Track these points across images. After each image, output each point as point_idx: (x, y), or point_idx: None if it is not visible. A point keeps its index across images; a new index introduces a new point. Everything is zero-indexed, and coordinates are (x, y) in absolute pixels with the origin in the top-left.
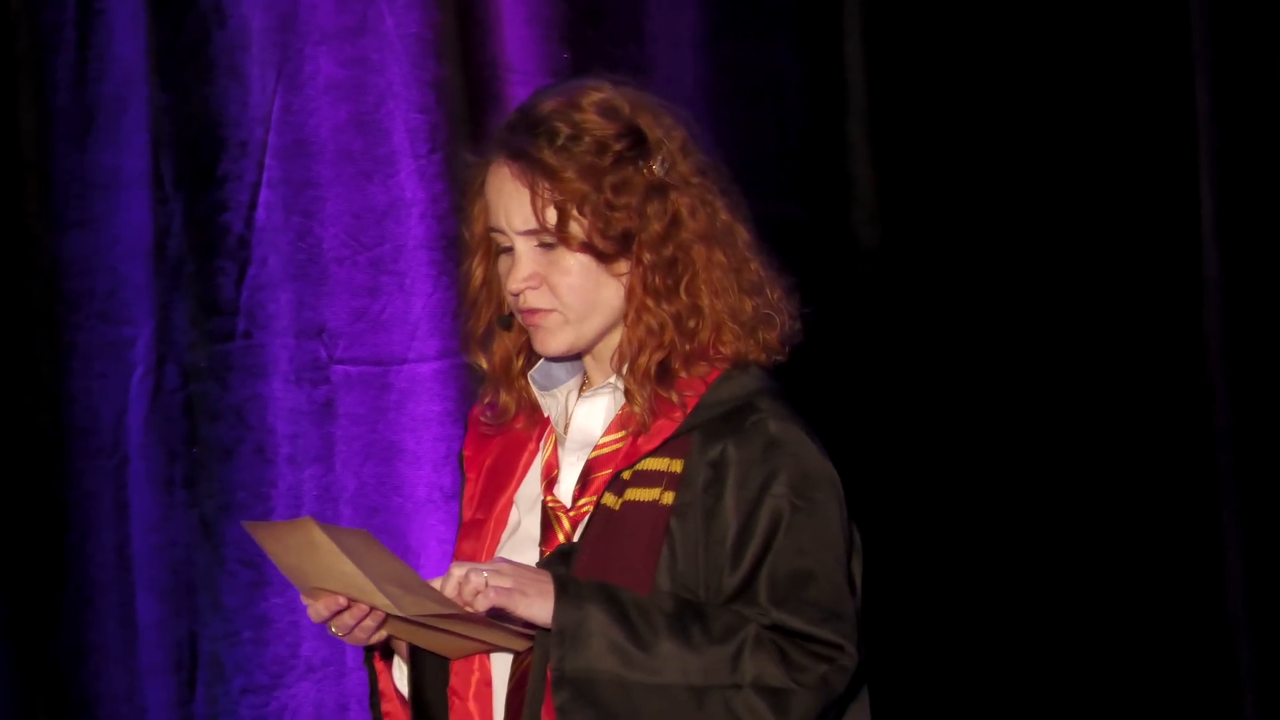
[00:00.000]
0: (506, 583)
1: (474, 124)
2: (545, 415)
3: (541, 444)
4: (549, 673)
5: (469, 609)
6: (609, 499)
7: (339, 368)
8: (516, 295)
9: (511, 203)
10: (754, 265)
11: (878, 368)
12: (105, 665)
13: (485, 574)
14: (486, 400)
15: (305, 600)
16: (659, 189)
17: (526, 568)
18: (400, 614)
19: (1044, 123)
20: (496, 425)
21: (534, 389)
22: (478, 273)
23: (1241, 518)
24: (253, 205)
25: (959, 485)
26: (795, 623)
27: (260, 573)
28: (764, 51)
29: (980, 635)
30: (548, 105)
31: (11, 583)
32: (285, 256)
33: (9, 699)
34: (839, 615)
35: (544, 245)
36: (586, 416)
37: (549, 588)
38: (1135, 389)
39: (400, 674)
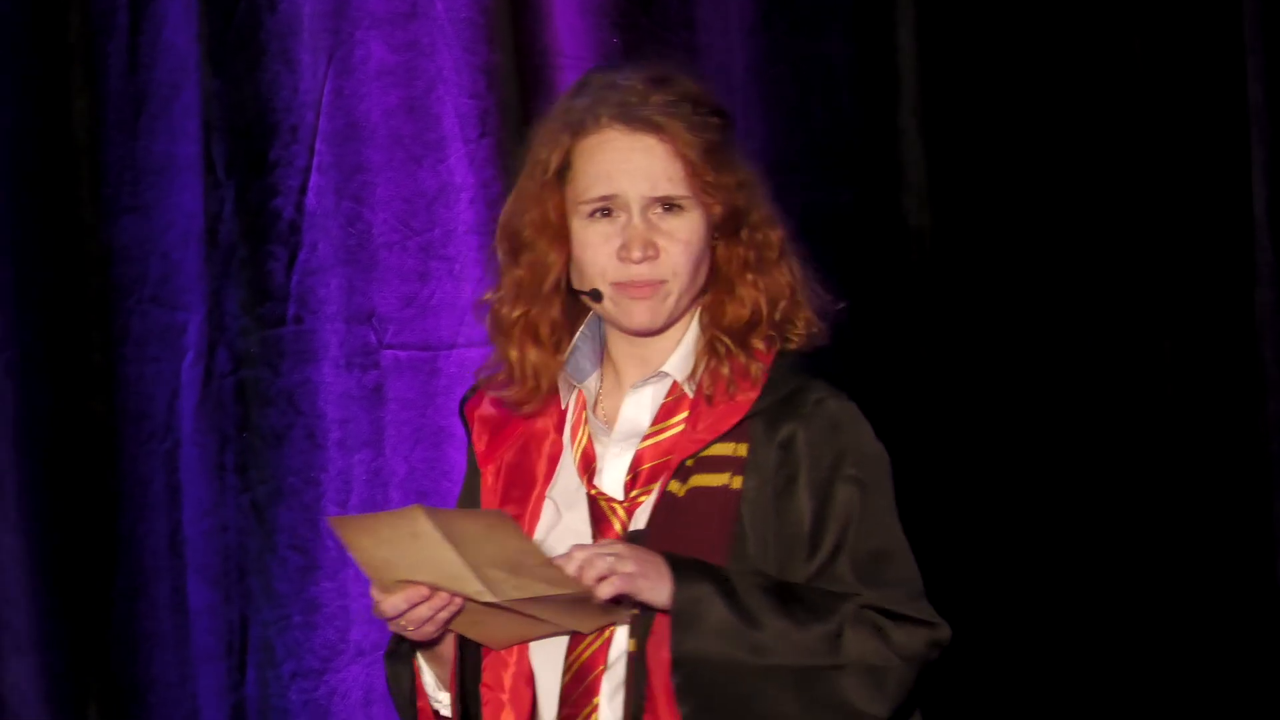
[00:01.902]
0: (630, 567)
1: (524, 109)
2: (564, 406)
3: (569, 437)
4: (653, 655)
5: (585, 592)
6: (674, 486)
7: (389, 353)
8: (635, 262)
9: (644, 169)
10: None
11: (927, 352)
12: (157, 651)
13: (610, 558)
14: (489, 389)
15: (377, 595)
16: (746, 165)
17: (641, 550)
18: (491, 599)
19: (1096, 110)
20: (502, 415)
21: (562, 381)
22: (557, 261)
23: None
24: (303, 190)
25: (1008, 471)
26: (889, 602)
27: (310, 558)
28: (815, 38)
29: (1031, 623)
30: (648, 81)
31: (64, 568)
32: (335, 242)
33: (61, 685)
34: (922, 591)
35: (664, 214)
36: (636, 407)
37: (666, 570)
38: (1187, 379)
39: (428, 677)
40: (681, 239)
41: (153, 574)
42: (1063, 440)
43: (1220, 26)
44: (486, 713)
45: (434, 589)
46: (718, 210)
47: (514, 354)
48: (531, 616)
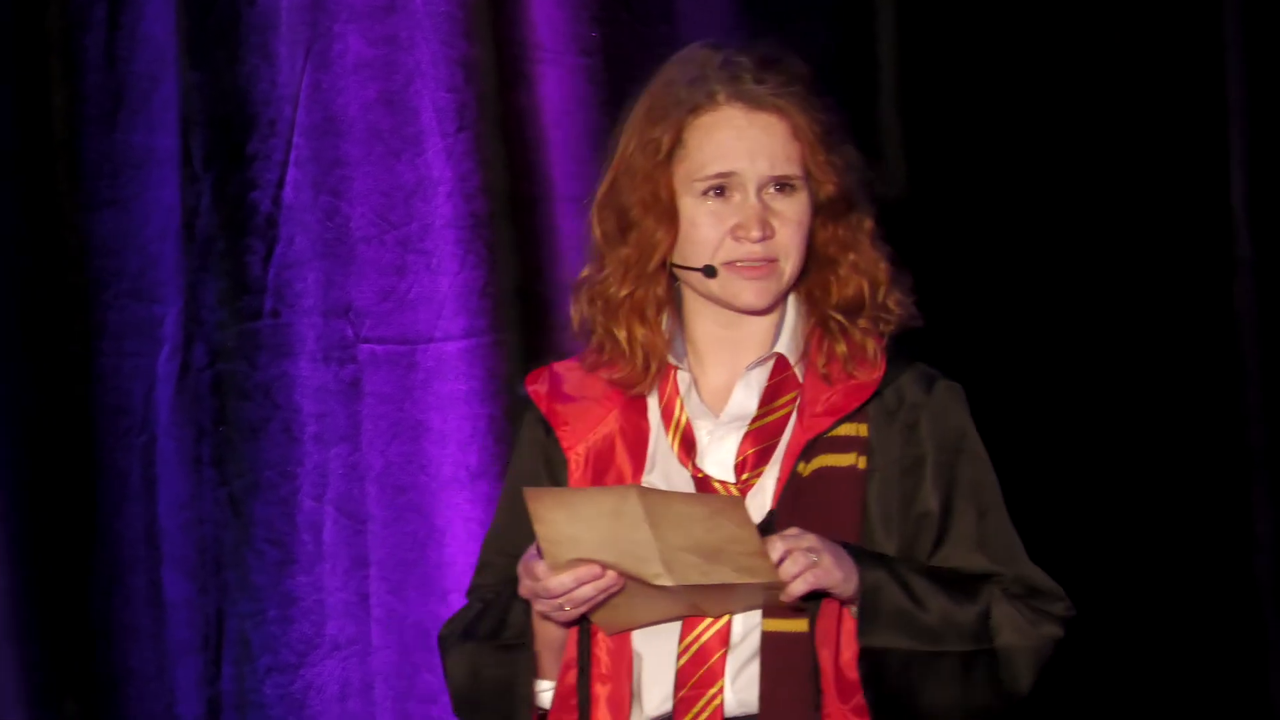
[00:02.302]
0: (828, 561)
1: (502, 103)
2: (676, 391)
3: (661, 420)
4: (829, 638)
5: (776, 586)
6: (800, 466)
7: (366, 346)
8: (754, 241)
9: (763, 147)
10: None
11: (903, 342)
12: (133, 643)
13: (810, 554)
14: (607, 374)
15: (541, 572)
16: (850, 148)
17: (828, 542)
18: (666, 583)
19: (1076, 103)
20: (572, 402)
21: (674, 360)
22: (665, 240)
23: (1272, 499)
24: (280, 184)
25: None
26: (1030, 578)
27: (287, 552)
28: (795, 30)
29: None
30: (761, 61)
31: (41, 561)
32: (313, 235)
33: (38, 677)
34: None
35: (780, 193)
36: (746, 390)
37: (851, 562)
38: (1165, 369)
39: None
40: (794, 219)
41: (129, 567)
42: (1042, 432)
43: (1200, 20)
44: (595, 691)
45: (605, 569)
46: (830, 190)
47: (621, 333)
48: (683, 600)
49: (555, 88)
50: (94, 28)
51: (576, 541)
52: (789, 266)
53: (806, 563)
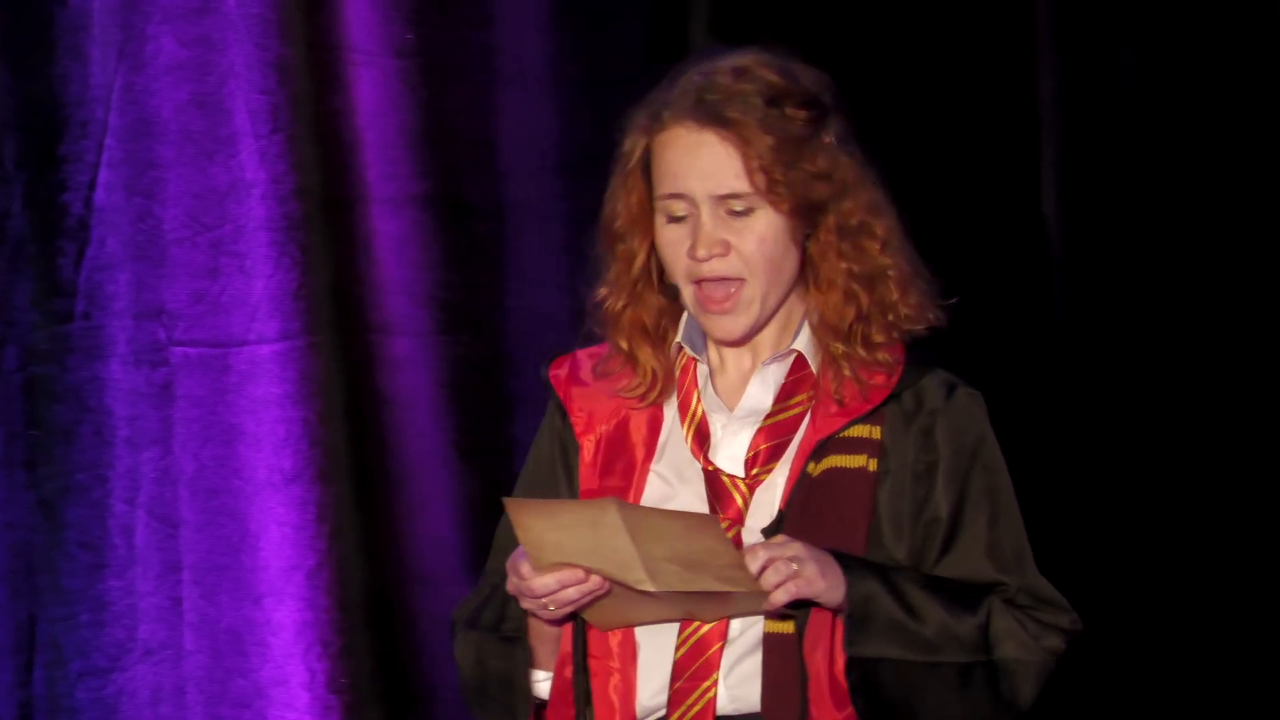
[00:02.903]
0: (811, 571)
1: (316, 104)
2: (694, 383)
3: (679, 413)
4: (816, 645)
5: (759, 592)
6: (810, 466)
7: (178, 349)
8: (702, 262)
9: (707, 168)
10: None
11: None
12: None
13: (792, 563)
14: (624, 392)
15: (526, 572)
16: (836, 155)
17: (815, 550)
18: (649, 589)
19: (889, 109)
20: (621, 394)
21: (688, 352)
22: (640, 255)
23: None
24: (92, 186)
25: None
26: (1031, 591)
27: (99, 555)
28: (610, 32)
29: None
30: (728, 72)
31: None
32: (125, 237)
33: None
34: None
35: (733, 212)
36: (761, 385)
37: (838, 571)
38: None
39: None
40: (755, 235)
41: None
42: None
43: (1012, 24)
44: (595, 683)
45: (589, 573)
46: (785, 207)
47: (624, 344)
48: (669, 604)
49: (370, 89)
50: None
51: (559, 547)
52: (758, 285)
53: (788, 572)
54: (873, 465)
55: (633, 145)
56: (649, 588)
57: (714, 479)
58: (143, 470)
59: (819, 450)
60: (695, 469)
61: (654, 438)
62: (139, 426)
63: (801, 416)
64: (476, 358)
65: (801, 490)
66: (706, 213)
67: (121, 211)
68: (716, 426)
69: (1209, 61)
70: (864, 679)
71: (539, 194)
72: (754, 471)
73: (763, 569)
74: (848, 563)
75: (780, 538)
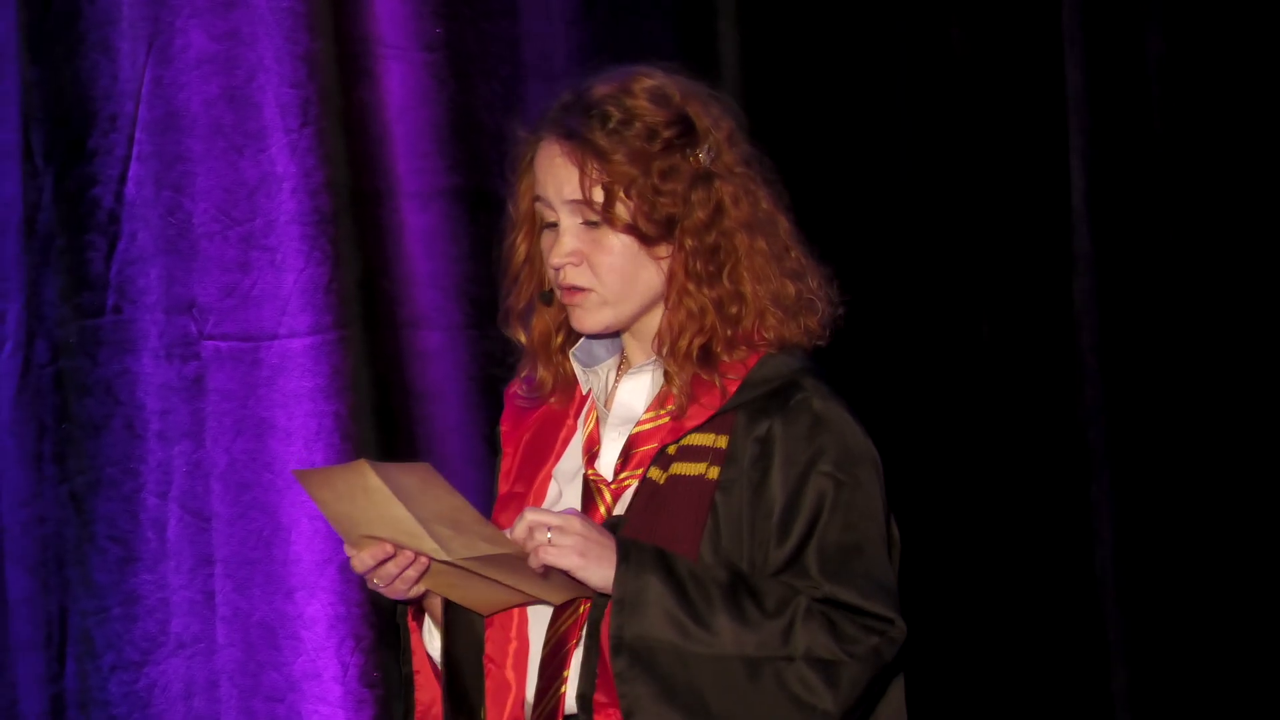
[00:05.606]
0: (569, 541)
1: (345, 98)
2: (585, 392)
3: (581, 420)
4: (605, 636)
5: (522, 554)
6: (654, 473)
7: (209, 343)
8: (558, 270)
9: (560, 180)
10: (795, 253)
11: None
12: None
13: (554, 530)
14: (523, 375)
15: (349, 550)
16: (704, 177)
17: (594, 528)
18: (447, 559)
19: (916, 99)
20: (532, 400)
21: (575, 366)
22: (521, 248)
23: (1111, 496)
24: (122, 179)
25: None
26: (847, 595)
27: (130, 549)
28: (637, 27)
29: None
30: (601, 89)
31: None
32: (155, 231)
33: None
34: (886, 589)
35: (588, 224)
36: (629, 393)
37: (612, 554)
38: (1005, 365)
39: (430, 638)
40: (603, 248)
41: None
42: (881, 432)
43: (1039, 15)
44: (489, 685)
45: (397, 546)
46: (620, 225)
47: (523, 338)
48: (495, 581)
49: (398, 83)
50: None
51: (352, 520)
52: (609, 295)
53: (543, 539)
54: (713, 473)
55: (519, 149)
56: (444, 557)
57: (587, 484)
58: (174, 464)
59: (663, 458)
60: (581, 474)
61: (565, 445)
62: (170, 420)
63: (666, 425)
64: (505, 351)
65: (643, 496)
66: (565, 223)
67: (151, 205)
68: (604, 433)
69: (1237, 50)
70: (632, 665)
71: None
72: (621, 476)
73: (528, 531)
74: (630, 552)
75: (554, 511)
